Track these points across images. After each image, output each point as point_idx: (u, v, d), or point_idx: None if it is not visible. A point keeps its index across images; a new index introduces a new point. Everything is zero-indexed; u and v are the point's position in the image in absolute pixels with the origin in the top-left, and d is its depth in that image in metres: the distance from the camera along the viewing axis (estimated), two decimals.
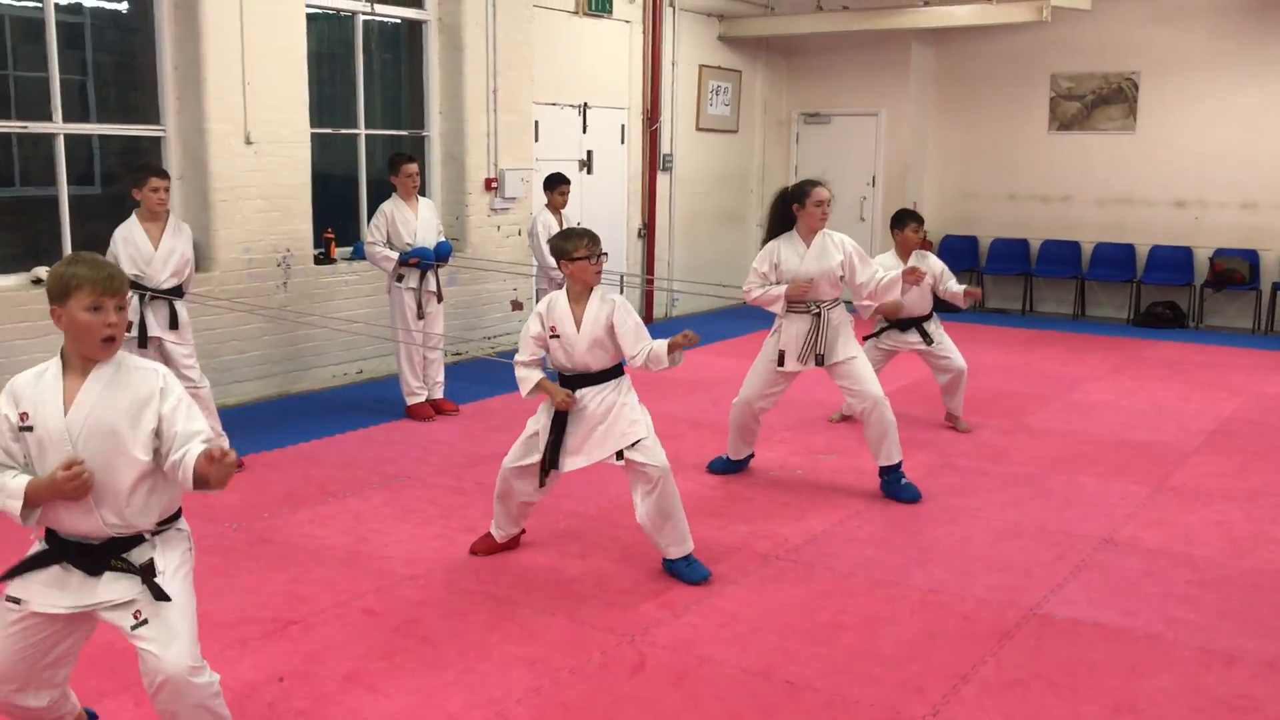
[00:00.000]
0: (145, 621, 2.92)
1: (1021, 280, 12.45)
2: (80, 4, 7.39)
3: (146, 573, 2.94)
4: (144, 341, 5.97)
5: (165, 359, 6.04)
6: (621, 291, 10.94)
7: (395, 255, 7.26)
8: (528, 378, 4.67)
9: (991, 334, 10.87)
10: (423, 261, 7.32)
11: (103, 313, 2.82)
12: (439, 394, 7.57)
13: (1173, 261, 11.72)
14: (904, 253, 6.97)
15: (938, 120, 13.08)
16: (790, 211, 5.76)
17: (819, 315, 5.71)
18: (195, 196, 7.51)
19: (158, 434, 2.89)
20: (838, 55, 12.91)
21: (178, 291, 6.08)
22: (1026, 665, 3.96)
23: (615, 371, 4.67)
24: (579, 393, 4.60)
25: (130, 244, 5.94)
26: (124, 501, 2.89)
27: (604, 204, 11.02)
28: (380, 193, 8.00)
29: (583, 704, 3.67)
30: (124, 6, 7.72)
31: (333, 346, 8.33)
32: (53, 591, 2.95)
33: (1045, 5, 10.62)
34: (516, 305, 9.91)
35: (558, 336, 4.60)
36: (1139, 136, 11.87)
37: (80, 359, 2.88)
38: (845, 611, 4.42)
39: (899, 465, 5.76)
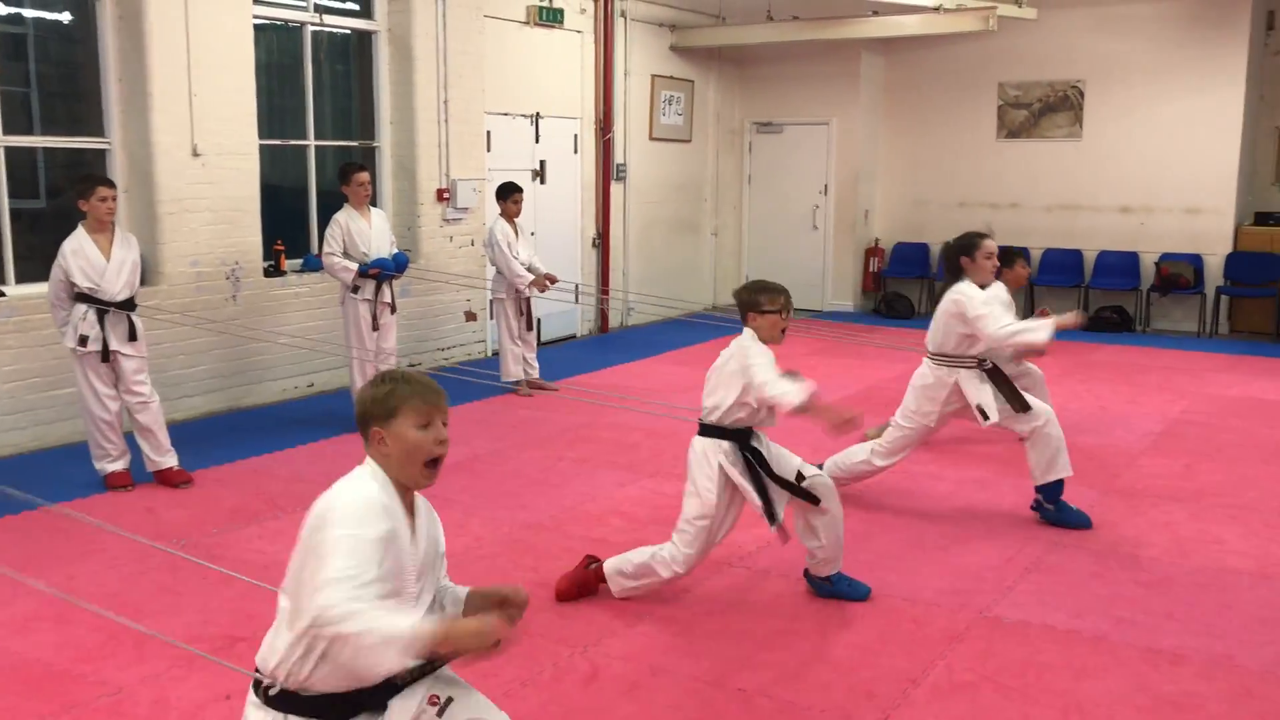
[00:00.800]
0: (450, 700, 2.54)
1: None
2: (22, 15, 7.28)
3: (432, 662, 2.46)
4: (106, 356, 5.89)
5: (117, 374, 5.97)
6: (576, 302, 10.97)
7: (355, 266, 7.21)
8: (804, 388, 4.17)
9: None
10: (383, 272, 7.27)
11: (433, 430, 2.47)
12: None
13: (1120, 266, 11.90)
14: (1013, 288, 6.75)
15: (888, 129, 13.20)
16: (958, 264, 5.55)
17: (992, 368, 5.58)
18: (142, 209, 7.41)
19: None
20: (789, 65, 13.01)
21: (130, 304, 6.00)
22: (976, 668, 4.00)
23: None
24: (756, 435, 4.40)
25: (80, 256, 5.85)
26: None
27: (557, 214, 11.01)
28: (330, 204, 7.94)
29: (535, 716, 3.66)
30: (67, 17, 7.62)
31: (283, 360, 8.25)
32: None
33: (992, 15, 10.76)
34: (470, 316, 9.87)
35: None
36: (1085, 144, 12.06)
37: (400, 486, 2.49)
38: (798, 618, 4.44)
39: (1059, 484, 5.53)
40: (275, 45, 8.69)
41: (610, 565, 4.57)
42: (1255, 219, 11.69)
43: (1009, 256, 6.93)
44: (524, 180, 10.21)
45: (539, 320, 9.88)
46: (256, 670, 2.47)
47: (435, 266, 9.23)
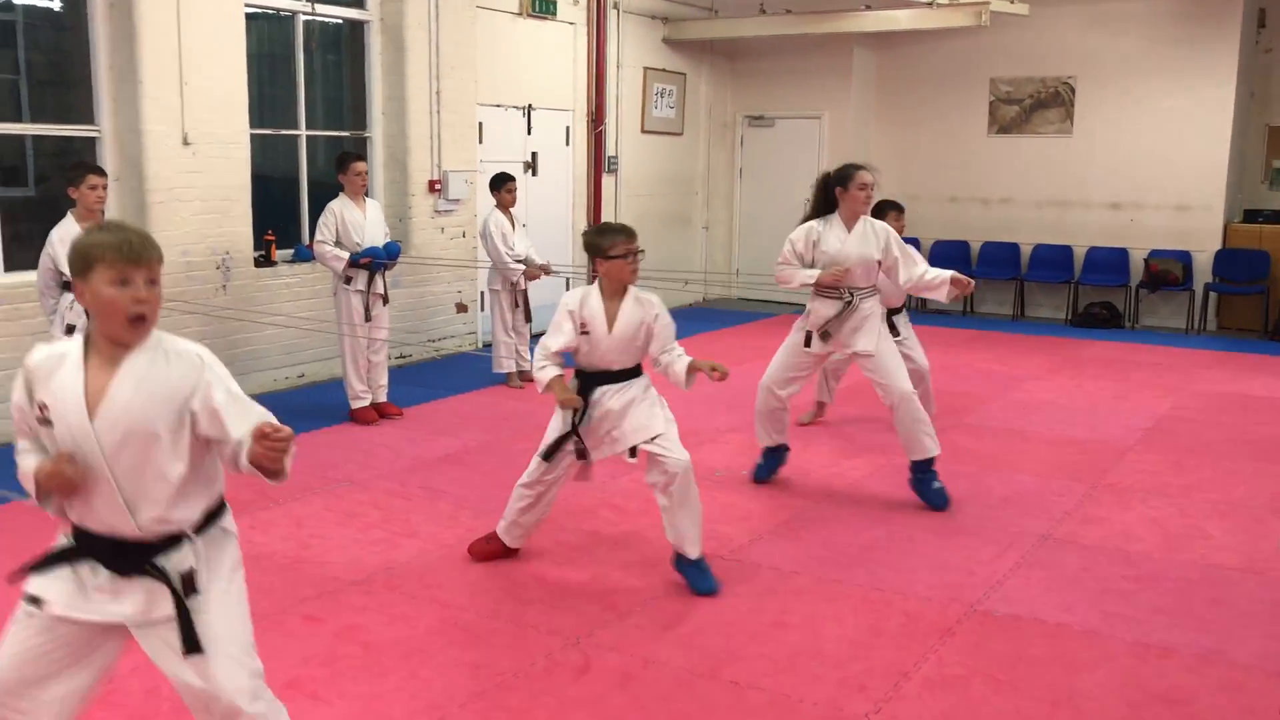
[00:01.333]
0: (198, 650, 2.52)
1: None
2: (12, 2, 7.23)
3: (186, 587, 2.52)
4: None
5: None
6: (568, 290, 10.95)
7: (346, 255, 7.19)
8: (543, 376, 4.50)
9: (932, 334, 10.97)
10: (374, 262, 7.25)
11: (130, 287, 2.41)
12: (383, 397, 7.50)
13: (1109, 263, 11.94)
14: None
15: (880, 123, 13.21)
16: (832, 194, 5.64)
17: (850, 302, 5.63)
18: (131, 198, 7.38)
19: (204, 429, 2.51)
20: (781, 58, 13.00)
21: None
22: (967, 661, 4.01)
23: (636, 371, 4.60)
24: (598, 391, 4.52)
25: (68, 244, 5.81)
26: (161, 502, 2.50)
27: (549, 206, 11.00)
28: (322, 194, 7.92)
29: (526, 707, 3.66)
30: (57, 4, 7.57)
31: (274, 350, 8.23)
32: (77, 596, 2.52)
33: (984, 10, 10.77)
34: (461, 307, 9.85)
35: (587, 333, 4.49)
36: (1076, 139, 12.08)
37: (108, 343, 2.46)
38: (789, 611, 4.45)
39: (932, 461, 5.67)
40: (267, 34, 8.65)
41: (500, 526, 4.89)
42: (1244, 216, 11.73)
43: (880, 208, 6.99)
44: (516, 171, 10.19)
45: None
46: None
47: (427, 257, 9.21)
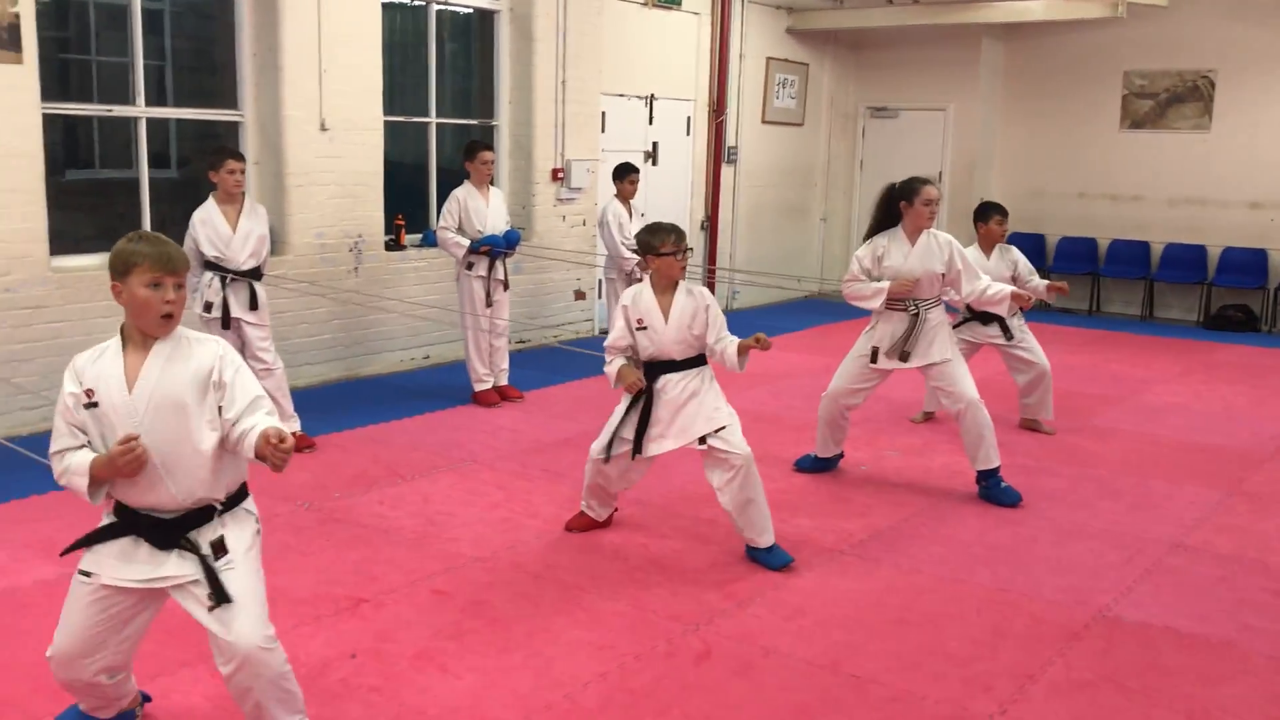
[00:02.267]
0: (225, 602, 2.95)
1: (1089, 280, 12.27)
2: None
3: (216, 551, 2.97)
4: (227, 323, 6.09)
5: (242, 340, 6.17)
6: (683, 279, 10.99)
7: (467, 243, 7.33)
8: (611, 370, 4.77)
9: (1057, 334, 10.72)
10: (494, 249, 7.39)
11: (162, 290, 2.87)
12: (504, 380, 7.64)
13: (1246, 264, 11.49)
14: (987, 246, 6.87)
15: (1006, 116, 12.92)
16: (897, 208, 5.66)
17: (917, 314, 5.65)
18: (271, 181, 7.64)
19: (220, 404, 2.94)
20: (906, 49, 12.81)
21: (256, 273, 6.20)
22: (1095, 667, 3.93)
23: (699, 360, 4.74)
24: (662, 378, 4.69)
25: (209, 226, 6.06)
26: (193, 473, 2.92)
27: (668, 196, 11.04)
28: (449, 181, 8.08)
29: (649, 691, 3.71)
30: None
31: (401, 332, 8.44)
32: (124, 565, 2.98)
33: (1120, 1, 10.45)
34: (580, 295, 9.96)
35: (645, 328, 4.68)
36: (1214, 136, 11.65)
37: (140, 335, 2.93)
38: (910, 608, 4.41)
39: (997, 469, 5.67)
40: (400, 23, 8.86)
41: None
42: None
43: (985, 211, 6.93)
44: (636, 161, 10.25)
45: None
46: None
47: (548, 245, 9.33)
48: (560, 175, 9.52)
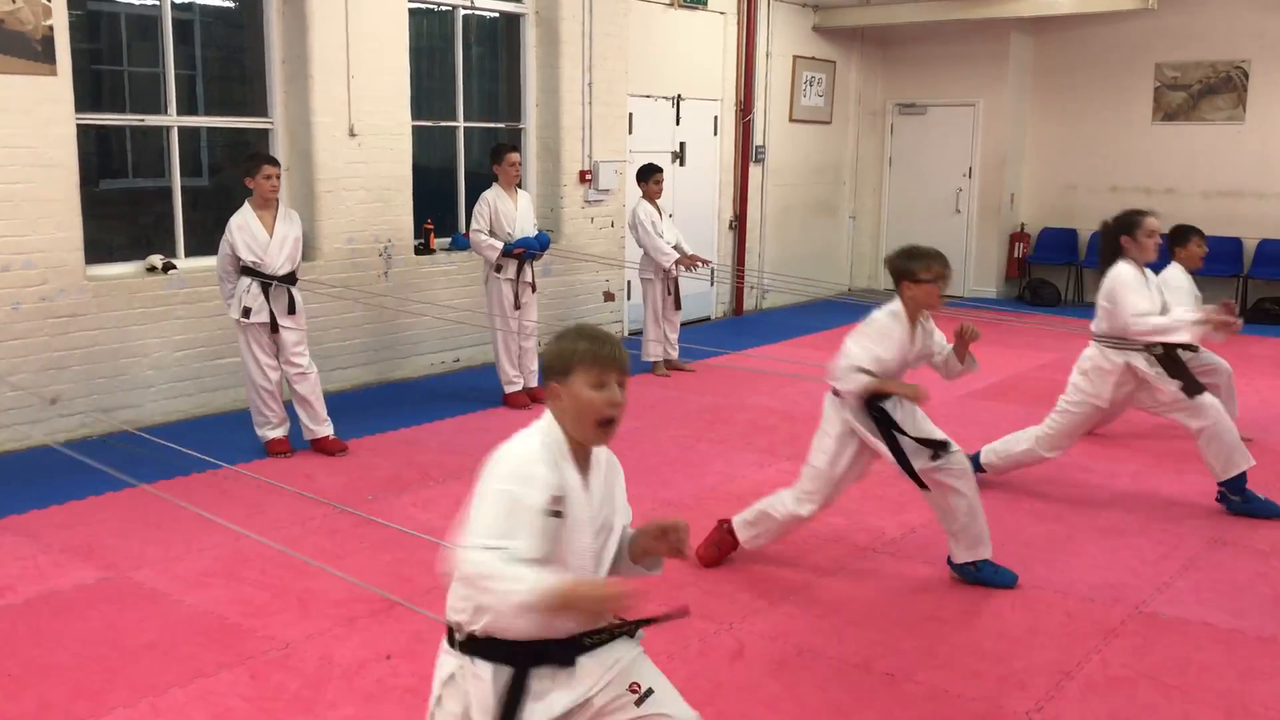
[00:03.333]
0: (650, 690, 2.53)
1: None
2: (190, 1, 7.61)
3: (638, 623, 2.54)
4: (275, 327, 6.15)
5: (277, 345, 6.22)
6: (711, 284, 10.99)
7: (500, 245, 7.37)
8: (863, 380, 4.31)
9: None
10: (527, 251, 7.42)
11: (606, 390, 2.45)
12: (534, 383, 7.66)
13: None
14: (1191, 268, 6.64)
15: (1036, 111, 12.82)
16: (1118, 243, 5.41)
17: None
18: (301, 187, 7.70)
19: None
20: (934, 45, 12.74)
21: (292, 278, 6.25)
22: (1132, 664, 3.90)
23: None
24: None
25: (246, 231, 6.11)
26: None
27: (696, 196, 11.03)
28: (478, 185, 8.12)
29: (684, 689, 3.65)
30: (231, 3, 7.95)
31: (431, 335, 8.49)
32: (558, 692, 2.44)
33: None
34: (609, 296, 9.97)
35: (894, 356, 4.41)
36: (1248, 127, 11.51)
37: (574, 441, 2.49)
38: (944, 605, 4.39)
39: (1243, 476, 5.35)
40: (426, 29, 8.91)
41: (737, 519, 4.73)
42: None
43: (1182, 235, 6.68)
44: (664, 162, 10.25)
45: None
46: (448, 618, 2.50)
47: (576, 247, 9.35)
48: (588, 177, 9.53)
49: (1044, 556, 4.89)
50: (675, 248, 8.42)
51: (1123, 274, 5.36)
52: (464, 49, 8.92)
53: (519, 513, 2.30)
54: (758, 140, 11.68)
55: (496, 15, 9.23)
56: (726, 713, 3.56)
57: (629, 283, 9.81)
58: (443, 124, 8.86)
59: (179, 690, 3.65)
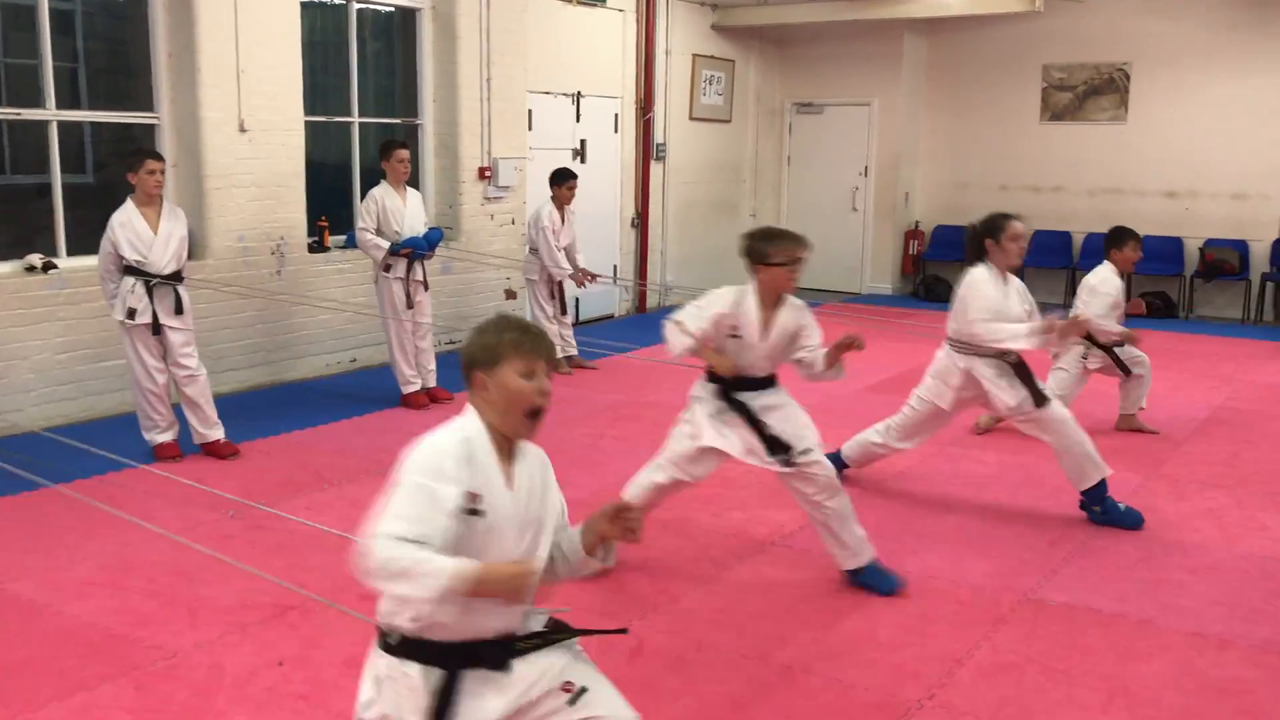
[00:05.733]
0: (584, 689, 2.52)
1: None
2: None
3: (561, 629, 2.54)
4: (158, 328, 5.96)
5: (164, 346, 6.04)
6: (615, 282, 10.99)
7: (386, 245, 7.26)
8: (684, 340, 4.23)
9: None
10: (415, 251, 7.32)
11: (535, 380, 2.44)
12: (433, 382, 7.56)
13: (1164, 252, 11.76)
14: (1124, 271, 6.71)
15: (930, 110, 13.10)
16: (982, 246, 5.29)
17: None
18: (189, 184, 7.49)
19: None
20: (831, 45, 12.93)
21: (178, 276, 6.07)
22: (1020, 649, 4.00)
23: (773, 380, 4.42)
24: (738, 396, 4.36)
25: (129, 229, 5.92)
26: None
27: (597, 193, 11.01)
28: (373, 181, 7.95)
29: None
30: None
31: (326, 335, 8.33)
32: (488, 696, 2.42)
33: None
34: (510, 294, 9.91)
35: (738, 337, 4.27)
36: (1130, 127, 11.92)
37: (498, 435, 2.46)
38: (841, 597, 4.45)
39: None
40: (320, 22, 8.73)
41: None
42: None
43: (1119, 237, 6.74)
44: (564, 159, 10.23)
45: (576, 300, 9.92)
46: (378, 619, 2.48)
47: (475, 245, 9.27)
48: (487, 174, 9.46)
49: (936, 546, 5.00)
50: (566, 252, 8.44)
51: (976, 278, 5.27)
52: (359, 43, 8.77)
53: (432, 505, 2.28)
54: (658, 138, 11.72)
55: (392, 10, 9.10)
56: None
57: (528, 281, 9.74)
58: (337, 119, 8.70)
59: (57, 705, 3.52)
